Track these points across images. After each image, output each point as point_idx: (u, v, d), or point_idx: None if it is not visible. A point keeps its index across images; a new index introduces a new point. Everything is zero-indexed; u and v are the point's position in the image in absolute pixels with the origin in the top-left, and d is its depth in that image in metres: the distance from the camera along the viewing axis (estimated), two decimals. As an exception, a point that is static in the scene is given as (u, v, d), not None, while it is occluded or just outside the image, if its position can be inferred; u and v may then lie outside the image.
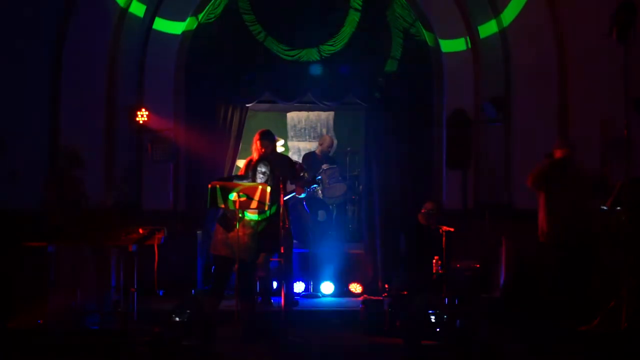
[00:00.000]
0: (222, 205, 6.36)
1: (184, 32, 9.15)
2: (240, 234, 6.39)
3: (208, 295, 6.70)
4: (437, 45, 9.23)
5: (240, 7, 9.12)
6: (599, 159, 7.45)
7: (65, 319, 6.58)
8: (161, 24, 9.09)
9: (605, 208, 6.69)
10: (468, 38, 9.15)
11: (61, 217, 6.83)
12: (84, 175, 7.30)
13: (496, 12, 9.04)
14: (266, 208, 6.42)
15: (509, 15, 8.99)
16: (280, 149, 9.61)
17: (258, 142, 7.70)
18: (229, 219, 6.49)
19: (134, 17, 8.96)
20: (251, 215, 6.52)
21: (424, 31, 9.25)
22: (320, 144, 9.96)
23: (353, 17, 9.19)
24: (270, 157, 7.61)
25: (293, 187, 8.26)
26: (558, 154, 7.02)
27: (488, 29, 9.13)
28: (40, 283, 6.81)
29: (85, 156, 7.32)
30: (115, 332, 6.52)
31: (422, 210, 7.64)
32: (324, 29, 9.20)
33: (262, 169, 6.66)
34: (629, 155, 6.19)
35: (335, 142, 10.21)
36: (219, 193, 6.32)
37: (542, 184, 6.91)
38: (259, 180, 6.59)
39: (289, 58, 9.14)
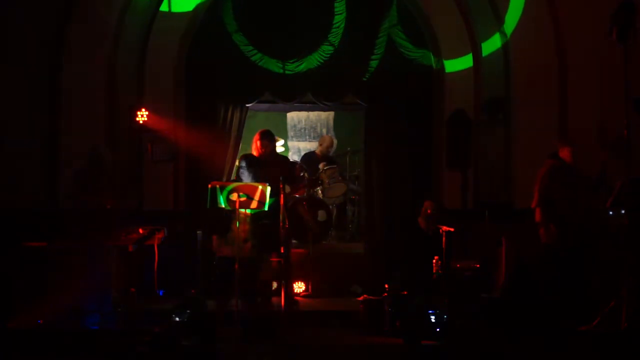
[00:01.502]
0: (222, 206, 6.37)
1: (197, 6, 9.16)
2: (236, 231, 6.41)
3: (214, 298, 6.69)
4: (438, 45, 9.24)
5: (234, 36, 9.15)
6: (599, 158, 7.45)
7: (65, 319, 6.57)
8: (168, 5, 9.12)
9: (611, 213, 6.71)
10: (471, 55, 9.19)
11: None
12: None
13: (498, 17, 9.05)
14: (266, 208, 6.43)
15: (510, 20, 9.02)
16: (280, 149, 9.61)
17: (258, 142, 7.71)
18: (226, 220, 6.52)
19: (137, 8, 8.96)
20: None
21: (424, 34, 9.28)
22: (320, 144, 9.95)
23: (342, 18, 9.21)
24: (269, 157, 7.63)
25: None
26: (562, 153, 7.04)
27: (491, 43, 9.16)
28: (40, 283, 6.80)
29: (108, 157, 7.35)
30: (115, 332, 6.52)
31: (422, 212, 7.61)
32: (320, 31, 9.20)
33: (239, 163, 6.72)
34: (629, 155, 6.19)
35: (335, 142, 10.22)
36: (218, 193, 6.33)
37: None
38: (241, 176, 6.63)
39: (290, 72, 9.17)
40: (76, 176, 7.16)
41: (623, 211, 6.57)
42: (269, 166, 7.58)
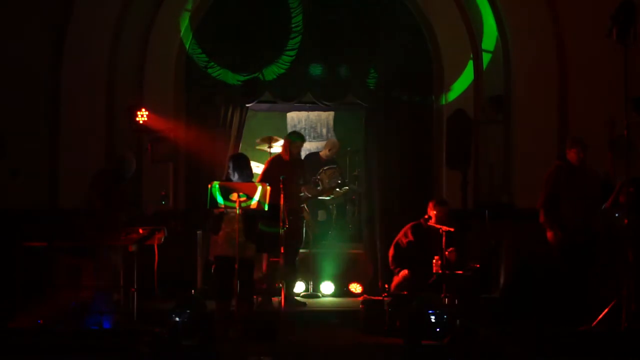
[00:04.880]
0: (222, 206, 6.35)
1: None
2: (229, 230, 6.40)
3: (217, 300, 6.68)
4: (438, 44, 9.24)
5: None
6: (599, 158, 7.46)
7: (65, 319, 6.57)
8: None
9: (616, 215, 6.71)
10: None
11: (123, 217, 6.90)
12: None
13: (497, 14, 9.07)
14: (265, 208, 6.41)
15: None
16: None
17: (290, 144, 8.17)
18: (217, 219, 6.51)
19: (137, 8, 8.96)
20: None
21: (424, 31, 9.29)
22: (329, 149, 9.91)
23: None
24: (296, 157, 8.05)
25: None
26: (569, 154, 7.06)
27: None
28: (40, 283, 6.81)
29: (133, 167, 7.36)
30: (115, 332, 6.52)
31: (438, 214, 7.51)
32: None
33: (229, 164, 6.72)
34: (629, 155, 6.20)
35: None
36: (217, 192, 6.32)
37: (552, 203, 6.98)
38: (231, 177, 6.61)
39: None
40: (95, 180, 7.14)
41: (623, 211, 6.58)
42: (294, 167, 8.00)
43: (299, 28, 9.12)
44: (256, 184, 6.48)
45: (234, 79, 9.13)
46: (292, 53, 9.11)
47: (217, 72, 9.13)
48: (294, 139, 8.40)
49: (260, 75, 9.10)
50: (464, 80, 9.20)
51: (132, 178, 7.52)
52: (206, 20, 9.20)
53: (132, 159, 7.32)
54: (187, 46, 9.14)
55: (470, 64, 9.14)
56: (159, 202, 7.34)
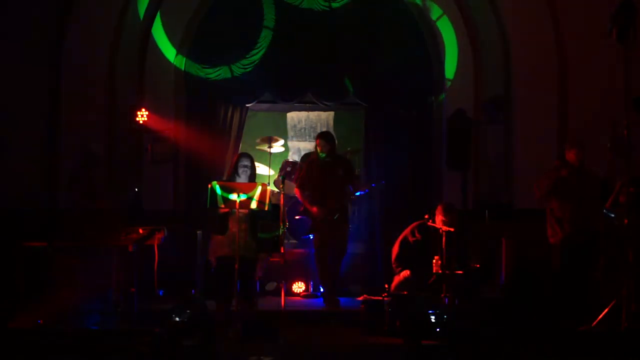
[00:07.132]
0: (222, 206, 6.35)
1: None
2: (235, 230, 6.39)
3: (217, 300, 6.68)
4: (438, 43, 9.25)
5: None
6: (599, 158, 7.47)
7: (65, 319, 6.57)
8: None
9: (612, 215, 6.70)
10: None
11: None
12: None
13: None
14: (266, 208, 6.41)
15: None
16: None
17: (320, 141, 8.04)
18: (221, 219, 6.50)
19: (136, 9, 8.98)
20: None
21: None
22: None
23: None
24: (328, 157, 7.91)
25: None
26: (568, 155, 7.06)
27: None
28: (40, 283, 6.81)
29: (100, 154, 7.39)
30: (115, 332, 6.51)
31: (451, 222, 7.39)
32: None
33: (244, 162, 6.66)
34: (629, 155, 6.20)
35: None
36: (218, 192, 6.32)
37: (550, 196, 6.96)
38: (241, 174, 6.59)
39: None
40: (73, 179, 7.17)
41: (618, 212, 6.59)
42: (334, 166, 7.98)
43: (270, 23, 9.18)
44: (256, 183, 6.47)
45: (233, 78, 9.14)
46: (264, 48, 9.18)
47: (217, 73, 9.15)
48: (319, 138, 8.18)
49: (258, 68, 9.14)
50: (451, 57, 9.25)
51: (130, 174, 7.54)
52: (197, 34, 9.27)
53: (92, 150, 7.34)
54: (182, 68, 9.17)
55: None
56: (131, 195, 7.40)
